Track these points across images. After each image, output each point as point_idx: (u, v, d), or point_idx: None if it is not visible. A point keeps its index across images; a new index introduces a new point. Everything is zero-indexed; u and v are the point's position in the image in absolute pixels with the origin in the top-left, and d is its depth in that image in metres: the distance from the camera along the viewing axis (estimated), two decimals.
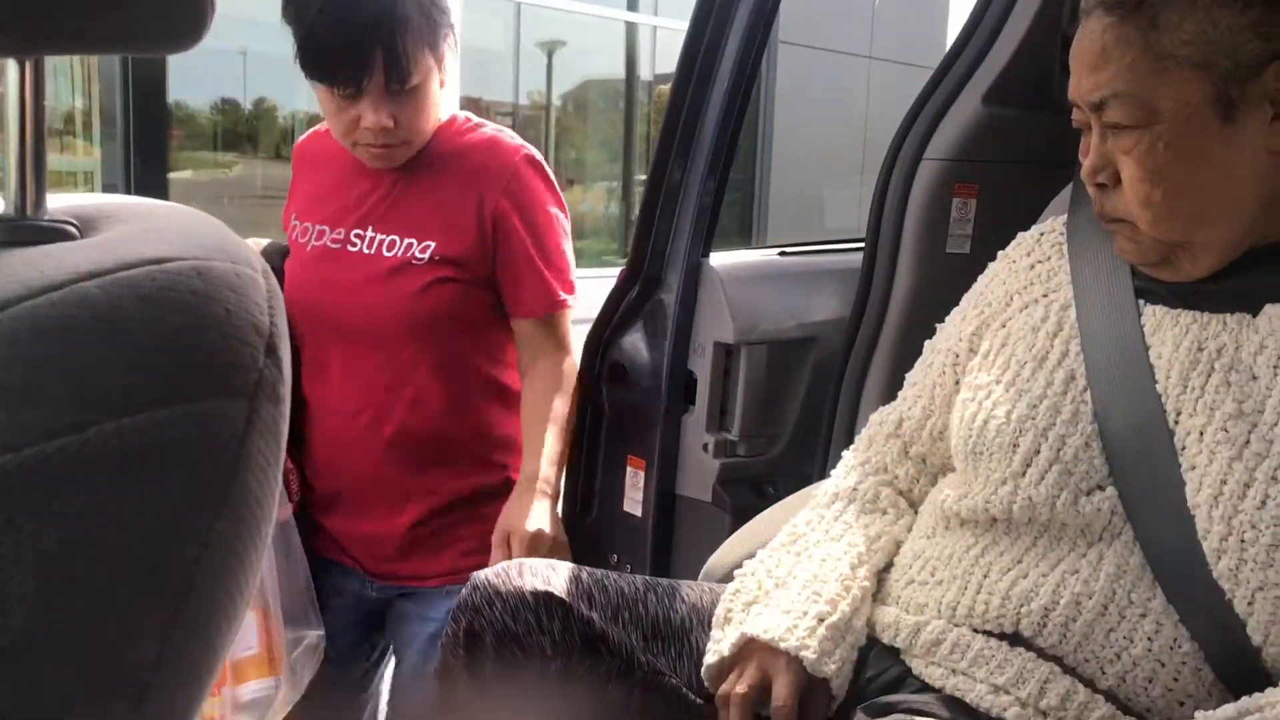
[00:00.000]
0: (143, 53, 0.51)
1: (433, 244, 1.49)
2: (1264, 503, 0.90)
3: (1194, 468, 0.94)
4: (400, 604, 1.62)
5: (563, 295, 1.55)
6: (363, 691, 1.74)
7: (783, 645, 1.03)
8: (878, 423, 1.26)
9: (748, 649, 1.06)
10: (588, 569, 1.16)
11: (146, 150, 6.92)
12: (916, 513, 1.19)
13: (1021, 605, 0.98)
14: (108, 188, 6.68)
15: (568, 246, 1.58)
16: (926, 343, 1.25)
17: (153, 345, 0.44)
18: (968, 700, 0.98)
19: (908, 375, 1.26)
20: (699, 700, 1.11)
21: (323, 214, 1.56)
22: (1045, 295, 1.12)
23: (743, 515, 1.54)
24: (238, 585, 0.47)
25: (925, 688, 1.02)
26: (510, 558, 1.43)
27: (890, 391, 1.32)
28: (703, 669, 1.09)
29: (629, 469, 1.79)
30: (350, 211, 1.54)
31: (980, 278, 1.23)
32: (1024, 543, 1.01)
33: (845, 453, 1.28)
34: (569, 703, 1.09)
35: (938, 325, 1.25)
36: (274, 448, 0.48)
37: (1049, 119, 1.55)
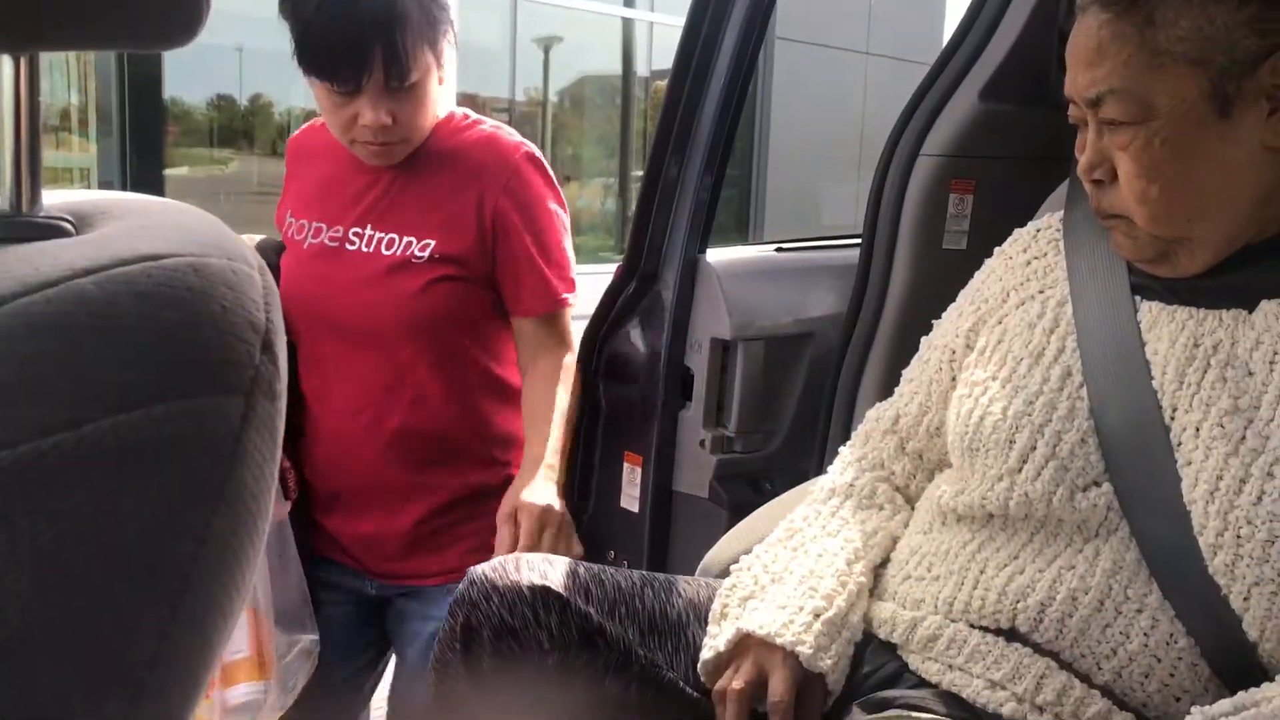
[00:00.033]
0: (138, 49, 0.51)
1: (432, 242, 1.48)
2: (1260, 498, 0.90)
3: (1190, 463, 0.94)
4: (401, 602, 1.61)
5: (564, 293, 1.54)
6: (358, 694, 1.73)
7: (779, 640, 1.04)
8: (874, 419, 1.26)
9: (744, 644, 1.06)
10: (585, 564, 1.16)
11: (142, 146, 6.91)
12: (913, 508, 1.19)
13: (1018, 601, 0.98)
14: (103, 184, 6.65)
15: (568, 244, 1.56)
16: (923, 339, 1.25)
17: (149, 342, 0.44)
18: (964, 695, 0.99)
19: (904, 371, 1.26)
20: (696, 694, 1.11)
21: (319, 211, 1.55)
22: (1042, 291, 1.12)
23: (739, 511, 1.54)
24: (234, 582, 0.47)
25: (922, 683, 1.03)
26: (518, 534, 1.43)
27: (887, 387, 1.32)
28: (699, 664, 1.09)
29: (626, 465, 1.79)
30: (348, 209, 1.53)
31: (977, 274, 1.23)
32: (1020, 538, 1.01)
33: (842, 449, 1.28)
34: (566, 697, 1.09)
35: (934, 321, 1.25)
36: (270, 444, 0.48)
37: (1046, 115, 1.55)
